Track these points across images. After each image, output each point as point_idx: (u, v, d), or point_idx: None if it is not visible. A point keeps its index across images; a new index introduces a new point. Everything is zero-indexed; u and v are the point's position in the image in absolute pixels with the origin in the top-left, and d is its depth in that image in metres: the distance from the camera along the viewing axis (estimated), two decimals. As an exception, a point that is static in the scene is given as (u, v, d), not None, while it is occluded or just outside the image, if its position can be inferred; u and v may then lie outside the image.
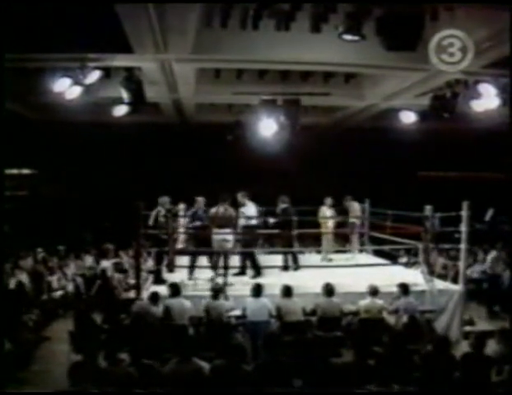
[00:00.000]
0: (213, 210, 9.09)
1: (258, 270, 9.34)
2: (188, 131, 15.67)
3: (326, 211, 11.16)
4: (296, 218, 10.17)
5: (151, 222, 8.90)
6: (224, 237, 8.85)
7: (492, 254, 11.22)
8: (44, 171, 16.19)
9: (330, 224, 11.33)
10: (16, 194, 15.04)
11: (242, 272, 9.44)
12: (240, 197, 9.56)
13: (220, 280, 8.41)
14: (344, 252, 11.82)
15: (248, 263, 9.50)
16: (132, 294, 8.51)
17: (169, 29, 7.71)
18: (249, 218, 9.45)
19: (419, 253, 9.12)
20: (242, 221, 9.44)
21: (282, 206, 10.11)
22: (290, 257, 10.19)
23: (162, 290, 7.77)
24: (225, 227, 8.92)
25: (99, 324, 7.47)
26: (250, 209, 9.53)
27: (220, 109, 14.34)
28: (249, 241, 9.68)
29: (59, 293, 10.46)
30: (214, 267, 8.91)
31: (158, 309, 7.25)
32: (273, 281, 8.59)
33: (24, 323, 8.24)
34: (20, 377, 6.98)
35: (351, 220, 11.48)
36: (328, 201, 11.18)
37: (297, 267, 10.09)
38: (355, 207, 11.49)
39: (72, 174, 15.63)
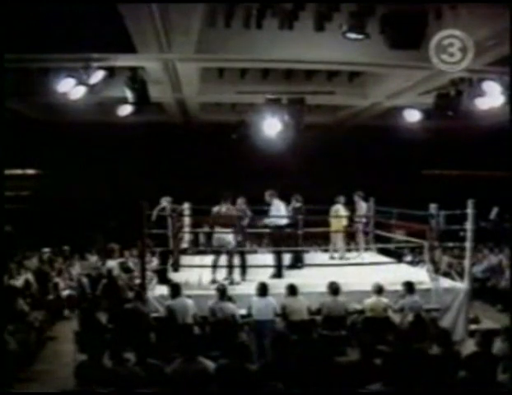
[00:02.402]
0: (215, 209, 9.05)
1: (280, 271, 9.11)
2: (192, 130, 15.69)
3: (341, 210, 10.92)
4: (304, 217, 10.04)
5: (153, 218, 8.86)
6: (225, 236, 8.83)
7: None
8: (49, 171, 16.23)
9: (344, 222, 11.06)
10: (20, 194, 15.11)
11: (279, 274, 9.07)
12: (268, 195, 9.33)
13: (226, 280, 8.41)
14: (349, 250, 11.79)
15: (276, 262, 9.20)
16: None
17: (173, 28, 7.73)
18: (278, 217, 9.21)
19: (424, 251, 9.11)
20: (271, 220, 9.27)
21: (296, 205, 9.95)
22: (294, 256, 10.08)
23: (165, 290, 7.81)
24: (227, 226, 8.89)
25: (104, 324, 7.49)
26: (279, 208, 9.27)
27: (224, 108, 14.36)
28: (278, 241, 9.37)
29: (65, 293, 10.49)
30: (214, 266, 8.86)
31: (146, 307, 7.37)
32: (279, 280, 8.60)
33: (30, 323, 8.26)
34: (26, 376, 7.00)
35: (357, 219, 11.42)
36: (341, 199, 10.96)
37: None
38: (362, 206, 11.43)
39: (77, 173, 15.66)
